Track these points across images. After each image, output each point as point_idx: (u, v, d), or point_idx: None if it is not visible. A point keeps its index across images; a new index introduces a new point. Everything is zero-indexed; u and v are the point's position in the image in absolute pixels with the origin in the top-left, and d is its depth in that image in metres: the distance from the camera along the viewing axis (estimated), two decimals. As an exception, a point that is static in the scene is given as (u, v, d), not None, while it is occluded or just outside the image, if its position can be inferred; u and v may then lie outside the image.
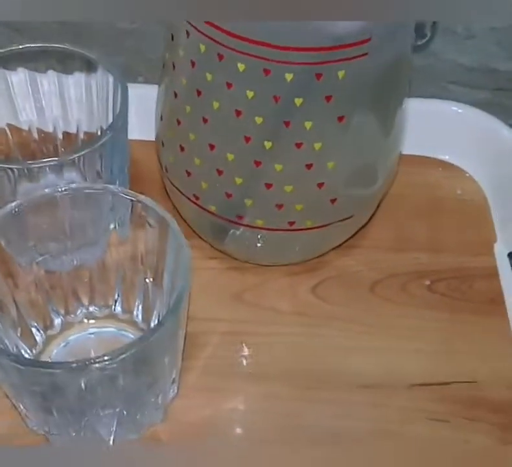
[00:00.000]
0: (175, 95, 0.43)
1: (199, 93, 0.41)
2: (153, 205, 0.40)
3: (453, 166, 0.57)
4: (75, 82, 0.48)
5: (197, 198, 0.45)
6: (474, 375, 0.47)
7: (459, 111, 0.56)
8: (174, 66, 0.42)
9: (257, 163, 0.42)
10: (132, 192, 0.40)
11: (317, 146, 0.41)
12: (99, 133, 0.49)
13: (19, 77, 0.48)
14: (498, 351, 0.47)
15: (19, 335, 0.43)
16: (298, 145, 0.41)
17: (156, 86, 0.47)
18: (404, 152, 0.54)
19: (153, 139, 0.49)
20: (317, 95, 0.39)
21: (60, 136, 0.51)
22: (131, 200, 0.40)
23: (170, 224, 0.39)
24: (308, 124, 0.40)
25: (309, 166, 0.42)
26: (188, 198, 0.46)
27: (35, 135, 0.51)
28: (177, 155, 0.44)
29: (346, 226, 0.47)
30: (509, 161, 0.54)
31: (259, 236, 0.46)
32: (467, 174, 0.57)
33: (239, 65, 0.39)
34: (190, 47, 0.40)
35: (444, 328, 0.49)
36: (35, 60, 0.47)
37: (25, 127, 0.50)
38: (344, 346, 0.48)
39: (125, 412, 0.39)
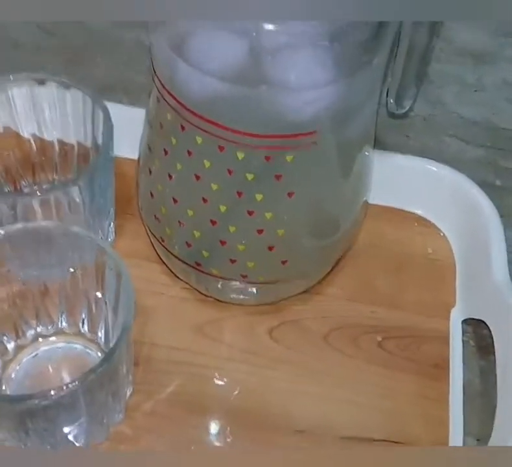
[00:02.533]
0: (149, 148, 0.46)
1: (166, 152, 0.45)
2: (110, 252, 0.44)
3: (430, 223, 0.59)
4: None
5: (163, 240, 0.49)
6: (405, 436, 0.49)
7: (442, 173, 0.58)
8: (149, 123, 0.46)
9: (213, 222, 0.45)
10: (91, 236, 0.44)
11: (268, 215, 0.44)
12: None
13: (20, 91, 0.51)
14: (433, 415, 0.50)
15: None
16: (250, 213, 0.44)
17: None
18: (383, 204, 0.57)
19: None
20: (268, 173, 0.42)
21: (57, 147, 0.55)
22: (91, 243, 0.44)
23: (122, 272, 0.43)
24: (258, 197, 0.43)
25: (260, 231, 0.45)
26: (156, 238, 0.49)
27: (34, 145, 0.55)
28: (148, 200, 0.48)
29: (299, 282, 0.50)
30: (481, 232, 0.55)
31: (217, 282, 0.49)
32: (441, 234, 0.59)
33: (197, 138, 0.42)
34: (160, 110, 0.43)
35: (386, 385, 0.51)
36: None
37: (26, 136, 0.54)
38: (288, 390, 0.51)
39: (93, 421, 0.44)
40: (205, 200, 0.44)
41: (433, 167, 0.59)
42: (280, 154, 0.41)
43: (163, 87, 0.42)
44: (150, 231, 0.50)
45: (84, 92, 0.50)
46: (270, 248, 0.46)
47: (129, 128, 0.50)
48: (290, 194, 0.43)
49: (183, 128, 0.42)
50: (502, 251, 0.54)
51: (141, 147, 0.48)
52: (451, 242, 0.58)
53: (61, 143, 0.54)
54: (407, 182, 0.58)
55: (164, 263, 0.52)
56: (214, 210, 0.44)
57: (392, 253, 0.57)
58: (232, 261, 0.47)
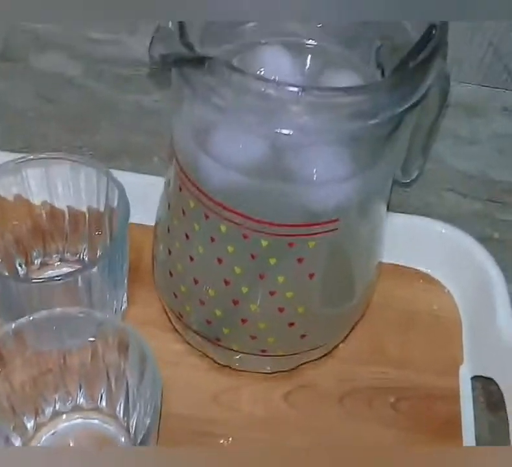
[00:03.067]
0: (168, 229, 0.47)
1: (187, 236, 0.45)
2: (133, 333, 0.45)
3: (434, 280, 0.60)
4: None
5: (181, 316, 0.50)
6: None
7: (443, 231, 0.59)
8: (169, 205, 0.47)
9: (235, 302, 0.46)
10: (114, 321, 0.45)
11: (289, 295, 0.45)
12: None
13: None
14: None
15: (12, 427, 0.48)
16: (271, 293, 0.45)
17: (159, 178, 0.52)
18: (388, 261, 0.58)
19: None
20: (290, 257, 0.43)
21: (67, 216, 0.56)
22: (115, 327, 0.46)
23: (146, 356, 0.44)
24: (280, 278, 0.44)
25: (281, 309, 0.46)
26: (174, 313, 0.50)
27: (44, 214, 0.56)
28: (166, 278, 0.49)
29: (317, 351, 0.51)
30: (485, 288, 0.57)
31: (236, 355, 0.50)
32: (446, 290, 0.60)
33: (221, 226, 0.43)
34: (182, 197, 0.44)
35: (400, 449, 0.52)
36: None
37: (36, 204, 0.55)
38: (304, 457, 0.50)
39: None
40: (226, 282, 0.45)
41: (436, 225, 0.60)
42: (303, 241, 0.42)
43: (186, 176, 0.43)
44: (167, 306, 0.51)
45: (98, 169, 0.50)
46: (290, 324, 0.47)
47: (134, 194, 0.51)
48: (311, 276, 0.44)
49: (206, 216, 0.43)
50: (507, 308, 0.56)
51: (158, 226, 0.49)
52: (455, 298, 0.60)
53: (73, 211, 0.55)
54: (412, 240, 0.59)
55: (178, 332, 0.53)
56: (236, 291, 0.45)
57: (399, 312, 0.59)
58: (253, 337, 0.48)
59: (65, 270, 0.57)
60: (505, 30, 0.67)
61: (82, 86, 0.65)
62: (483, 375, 0.55)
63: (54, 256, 0.57)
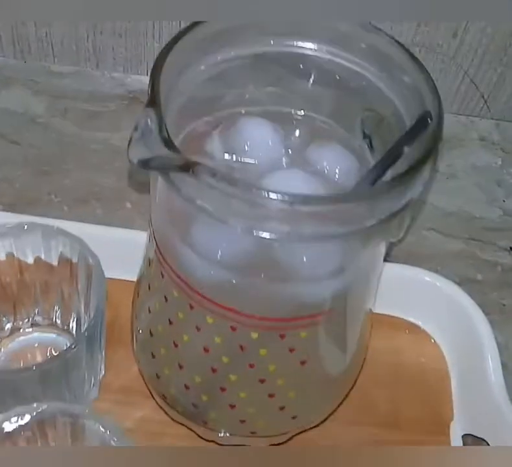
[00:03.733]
0: (148, 310, 0.45)
1: (170, 322, 0.43)
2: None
3: (420, 330, 0.59)
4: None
5: (165, 397, 0.47)
6: None
7: (427, 279, 0.58)
8: (149, 286, 0.44)
9: (222, 389, 0.44)
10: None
11: (280, 382, 0.43)
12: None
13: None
14: None
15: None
16: (261, 381, 0.43)
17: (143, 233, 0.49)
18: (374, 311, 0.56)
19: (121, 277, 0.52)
20: (281, 348, 0.41)
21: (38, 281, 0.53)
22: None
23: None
24: (271, 367, 0.42)
25: (271, 395, 0.44)
26: (157, 394, 0.48)
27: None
28: (148, 358, 0.46)
29: (308, 426, 0.49)
30: (473, 338, 0.55)
31: (222, 434, 0.48)
32: (432, 340, 0.58)
33: (208, 318, 0.40)
34: (165, 285, 0.42)
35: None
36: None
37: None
38: None
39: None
40: (214, 370, 0.43)
41: (418, 273, 0.58)
42: (295, 332, 0.40)
43: (168, 264, 0.40)
44: (149, 385, 0.48)
45: (71, 239, 0.49)
46: (281, 408, 0.45)
47: (107, 248, 0.49)
48: (302, 363, 0.42)
49: (191, 307, 0.40)
50: (496, 361, 0.54)
51: (137, 303, 0.47)
52: (443, 349, 0.58)
53: (43, 275, 0.52)
54: (395, 289, 0.57)
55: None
56: (224, 378, 0.43)
57: (386, 366, 0.57)
58: (242, 421, 0.46)
59: (37, 335, 0.54)
60: (480, 58, 0.66)
61: (47, 125, 0.62)
62: (474, 434, 0.53)
63: (25, 321, 0.54)
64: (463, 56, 0.65)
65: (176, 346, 0.43)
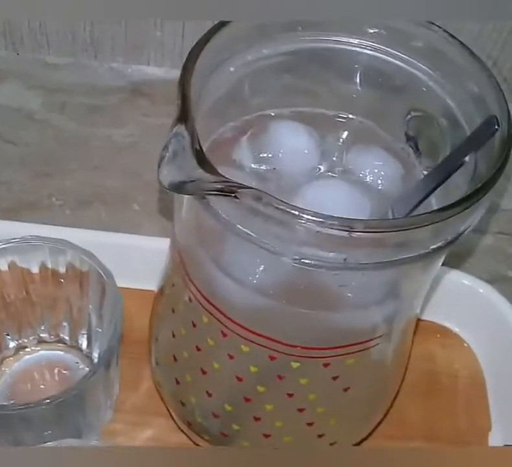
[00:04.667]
0: (173, 334, 0.41)
1: (198, 348, 0.39)
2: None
3: (452, 334, 0.55)
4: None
5: (190, 424, 0.43)
6: None
7: (461, 280, 0.54)
8: (173, 310, 0.40)
9: (256, 419, 0.40)
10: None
11: (320, 410, 0.40)
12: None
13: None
14: None
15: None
16: (300, 410, 0.39)
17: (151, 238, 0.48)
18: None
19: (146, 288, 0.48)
20: (324, 377, 0.37)
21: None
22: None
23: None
24: (311, 396, 0.38)
25: (310, 424, 0.40)
26: (181, 421, 0.44)
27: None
28: (171, 384, 0.43)
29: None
30: (508, 342, 0.52)
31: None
32: (465, 344, 0.55)
33: (242, 346, 0.36)
34: (192, 310, 0.38)
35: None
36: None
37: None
38: None
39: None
40: (247, 400, 0.39)
41: (447, 273, 0.54)
42: (341, 360, 0.36)
43: (196, 289, 0.36)
44: (172, 412, 0.44)
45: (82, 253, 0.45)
46: (319, 436, 0.41)
47: (117, 255, 0.46)
48: (345, 390, 0.38)
49: (224, 334, 0.36)
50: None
51: (158, 325, 0.43)
52: (476, 354, 0.54)
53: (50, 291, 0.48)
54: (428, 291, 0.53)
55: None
56: (258, 407, 0.40)
57: (418, 374, 0.53)
58: (266, 436, 0.42)
59: (43, 353, 0.50)
60: (504, 41, 0.62)
61: (44, 121, 0.57)
62: (515, 444, 0.50)
63: (31, 338, 0.49)
64: (486, 40, 0.61)
65: (205, 373, 0.39)
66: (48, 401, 0.40)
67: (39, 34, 0.54)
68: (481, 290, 0.54)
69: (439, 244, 0.31)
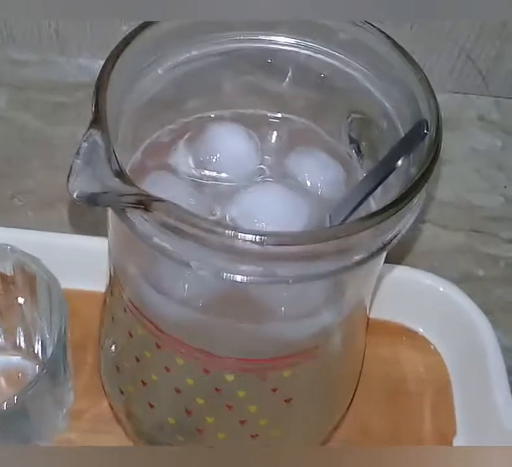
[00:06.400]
0: (114, 344, 0.40)
1: (137, 359, 0.38)
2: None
3: (418, 335, 0.54)
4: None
5: (138, 435, 0.43)
6: None
7: (427, 281, 0.53)
8: (112, 318, 0.39)
9: (199, 430, 0.39)
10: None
11: (263, 422, 0.38)
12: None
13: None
14: None
15: None
16: (242, 422, 0.38)
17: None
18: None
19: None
20: (263, 389, 0.36)
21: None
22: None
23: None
24: (252, 408, 0.37)
25: (254, 436, 0.39)
26: (132, 435, 0.43)
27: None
28: (117, 395, 0.42)
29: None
30: (475, 343, 0.51)
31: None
32: (432, 347, 0.54)
33: (177, 359, 0.35)
34: (128, 320, 0.37)
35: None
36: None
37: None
38: None
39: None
40: (188, 412, 0.38)
41: (414, 273, 0.53)
42: (278, 373, 0.35)
43: (130, 301, 0.35)
44: (121, 423, 0.43)
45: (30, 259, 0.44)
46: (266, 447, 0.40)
47: (73, 256, 0.48)
48: (287, 401, 0.37)
49: (158, 346, 0.35)
50: (500, 366, 0.49)
51: (102, 335, 0.41)
52: (443, 356, 0.53)
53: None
54: (389, 292, 0.52)
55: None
56: (200, 420, 0.38)
57: (383, 377, 0.52)
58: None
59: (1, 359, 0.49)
60: (477, 35, 0.60)
61: (8, 119, 0.56)
62: (480, 449, 0.49)
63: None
64: (458, 32, 0.59)
65: (145, 384, 0.38)
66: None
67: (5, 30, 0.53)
68: (448, 292, 0.53)
69: (364, 255, 0.30)
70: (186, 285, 0.32)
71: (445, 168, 0.61)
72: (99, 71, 0.31)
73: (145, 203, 0.28)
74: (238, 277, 0.29)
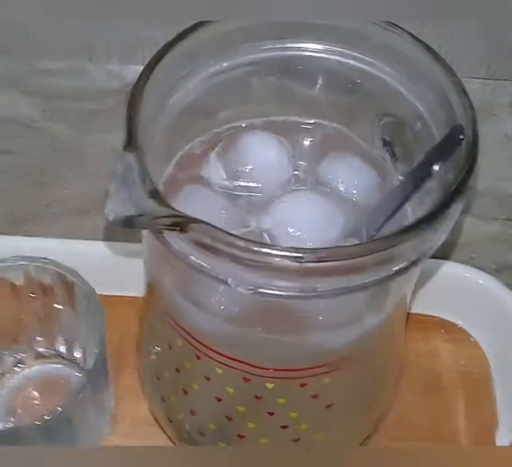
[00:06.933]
0: (154, 354, 0.40)
1: (177, 369, 0.38)
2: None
3: (457, 328, 0.54)
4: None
5: (180, 440, 0.43)
6: None
7: (464, 274, 0.52)
8: (151, 329, 0.39)
9: (241, 436, 0.39)
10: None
11: (304, 427, 0.39)
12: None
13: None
14: None
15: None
16: (283, 427, 0.38)
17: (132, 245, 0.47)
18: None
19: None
20: (303, 396, 0.36)
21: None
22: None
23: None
24: (293, 414, 0.38)
25: (296, 440, 0.39)
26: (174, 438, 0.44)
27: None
28: (159, 402, 0.42)
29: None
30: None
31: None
32: (471, 339, 0.53)
33: (217, 369, 0.36)
34: (167, 333, 0.37)
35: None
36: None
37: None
38: None
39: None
40: (229, 418, 0.38)
41: (451, 266, 0.53)
42: (317, 380, 0.35)
43: (168, 315, 0.35)
44: (162, 427, 0.44)
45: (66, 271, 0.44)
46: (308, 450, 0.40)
47: (110, 264, 0.48)
48: (328, 406, 0.37)
49: (198, 357, 0.36)
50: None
51: (141, 342, 0.42)
52: (484, 348, 0.53)
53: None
54: (426, 285, 0.52)
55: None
56: (241, 426, 0.39)
57: (422, 372, 0.52)
58: None
59: (41, 368, 0.50)
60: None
61: (41, 129, 0.56)
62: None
63: (28, 353, 0.49)
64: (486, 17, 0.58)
65: (186, 393, 0.39)
66: (37, 423, 0.39)
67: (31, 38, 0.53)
68: (486, 283, 0.52)
69: (401, 265, 0.29)
70: (224, 301, 0.32)
71: (479, 157, 0.60)
72: (130, 90, 0.31)
73: (181, 224, 0.28)
74: (277, 293, 0.29)
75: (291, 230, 0.34)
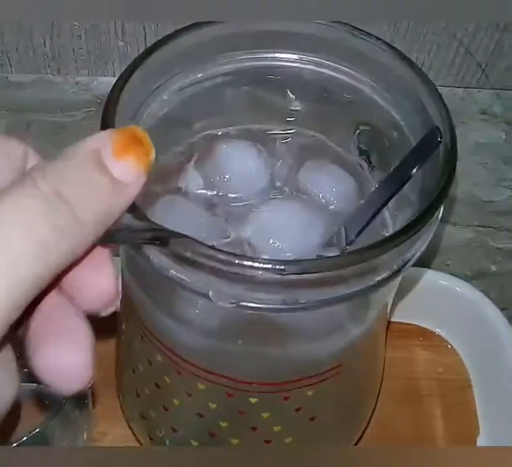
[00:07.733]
0: (133, 370, 0.39)
1: (157, 385, 0.37)
2: None
3: (434, 335, 0.53)
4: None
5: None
6: None
7: (440, 281, 0.52)
8: (130, 346, 0.39)
9: (223, 452, 0.38)
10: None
11: (288, 440, 0.38)
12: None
13: None
14: None
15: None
16: (267, 441, 0.38)
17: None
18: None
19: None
20: (286, 409, 0.36)
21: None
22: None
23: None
24: (277, 428, 0.37)
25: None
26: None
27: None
28: (138, 421, 0.41)
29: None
30: (492, 340, 0.50)
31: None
32: (449, 346, 0.53)
33: (198, 384, 0.35)
34: (146, 348, 0.36)
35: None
36: None
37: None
38: None
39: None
40: (212, 435, 0.37)
41: (426, 273, 0.52)
42: (300, 393, 0.35)
43: (147, 329, 0.34)
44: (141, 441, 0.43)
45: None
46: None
47: None
48: (312, 419, 0.37)
49: (178, 372, 0.35)
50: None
51: (120, 359, 0.41)
52: (461, 354, 0.53)
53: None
54: (404, 294, 0.52)
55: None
56: (224, 442, 0.38)
57: (401, 380, 0.52)
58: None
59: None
60: (475, 27, 0.60)
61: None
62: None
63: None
64: (456, 25, 0.59)
65: (167, 409, 0.38)
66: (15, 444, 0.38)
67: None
68: (461, 290, 0.52)
69: (383, 275, 0.29)
70: (205, 315, 0.32)
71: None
72: (104, 102, 0.30)
73: (160, 238, 0.27)
74: (259, 306, 0.29)
75: (272, 239, 0.33)
